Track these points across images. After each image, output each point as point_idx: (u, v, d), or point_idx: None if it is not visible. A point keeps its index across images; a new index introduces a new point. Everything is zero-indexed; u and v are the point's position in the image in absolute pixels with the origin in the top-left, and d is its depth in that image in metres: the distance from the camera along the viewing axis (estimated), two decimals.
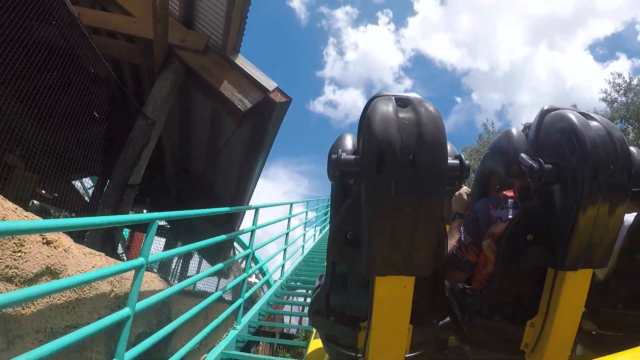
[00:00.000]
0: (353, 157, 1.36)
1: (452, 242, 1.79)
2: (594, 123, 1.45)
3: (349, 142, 1.53)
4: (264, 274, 11.10)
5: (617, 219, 1.42)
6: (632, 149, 1.88)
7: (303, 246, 9.44)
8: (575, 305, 1.54)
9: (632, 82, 16.16)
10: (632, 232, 1.80)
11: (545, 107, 1.62)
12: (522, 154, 1.53)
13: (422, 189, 1.24)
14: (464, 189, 2.10)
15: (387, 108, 1.30)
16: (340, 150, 1.42)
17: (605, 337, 1.93)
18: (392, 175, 1.23)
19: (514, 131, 1.74)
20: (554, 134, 1.50)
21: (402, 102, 1.34)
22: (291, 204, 7.66)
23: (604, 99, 16.75)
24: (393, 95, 1.37)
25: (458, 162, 1.36)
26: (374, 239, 1.31)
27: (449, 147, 1.47)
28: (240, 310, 4.74)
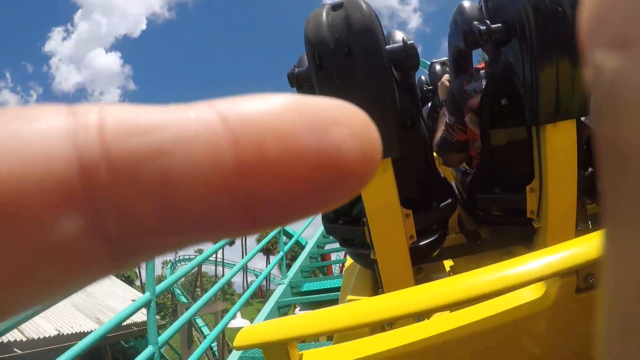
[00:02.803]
0: (303, 68, 1.46)
1: (441, 128, 1.84)
2: None
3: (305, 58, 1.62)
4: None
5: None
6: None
7: None
8: (567, 161, 1.53)
9: None
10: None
11: None
12: (474, 22, 1.52)
13: (362, 74, 1.33)
14: (445, 77, 2.11)
15: (319, 13, 1.39)
16: (293, 66, 1.54)
17: None
18: (331, 70, 1.33)
19: (465, 3, 1.72)
20: None
21: (335, 7, 1.42)
22: None
23: None
24: (330, 4, 1.45)
25: (401, 44, 1.43)
26: None
27: (401, 35, 1.56)
28: (283, 264, 5.18)
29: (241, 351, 3.73)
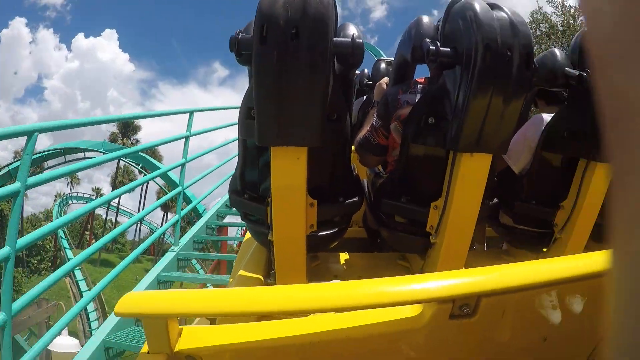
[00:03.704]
0: (249, 36, 1.41)
1: (366, 128, 1.87)
2: (499, 13, 1.48)
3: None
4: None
5: (514, 110, 1.48)
6: (556, 50, 1.92)
7: None
8: (474, 189, 1.61)
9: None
10: (547, 131, 1.86)
11: None
12: (426, 39, 1.55)
13: (303, 59, 1.32)
14: (384, 80, 2.16)
15: None
16: (238, 30, 1.48)
17: (520, 231, 2.05)
18: (274, 46, 1.31)
19: (425, 18, 1.79)
20: (457, 20, 1.53)
21: None
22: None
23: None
24: None
25: (349, 40, 1.43)
26: (261, 107, 1.41)
27: (353, 30, 1.57)
28: (178, 228, 4.66)
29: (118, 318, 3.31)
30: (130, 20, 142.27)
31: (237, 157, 1.81)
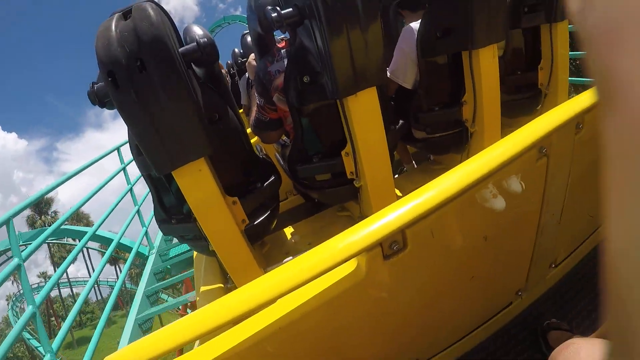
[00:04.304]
0: (104, 85, 1.39)
1: (254, 109, 1.89)
2: None
3: None
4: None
5: (375, 35, 1.50)
6: None
7: None
8: (373, 125, 1.65)
9: None
10: (420, 39, 1.88)
11: None
12: (268, 7, 1.55)
13: (159, 84, 1.31)
14: (251, 57, 2.15)
15: (108, 26, 1.33)
16: (92, 83, 1.46)
17: (437, 139, 2.10)
18: (128, 86, 1.30)
19: None
20: None
21: (126, 15, 1.37)
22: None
23: None
24: (121, 10, 1.40)
25: (195, 44, 1.42)
26: (144, 143, 1.41)
27: (197, 31, 1.59)
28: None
29: None
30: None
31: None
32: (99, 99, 1.40)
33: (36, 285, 36.71)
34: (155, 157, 1.43)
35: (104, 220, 4.26)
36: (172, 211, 1.76)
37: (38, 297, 3.21)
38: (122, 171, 5.17)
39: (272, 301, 0.98)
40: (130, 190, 5.15)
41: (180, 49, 1.39)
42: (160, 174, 1.48)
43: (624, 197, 0.22)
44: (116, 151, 5.30)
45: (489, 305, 1.54)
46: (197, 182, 1.50)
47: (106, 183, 4.50)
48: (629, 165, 0.22)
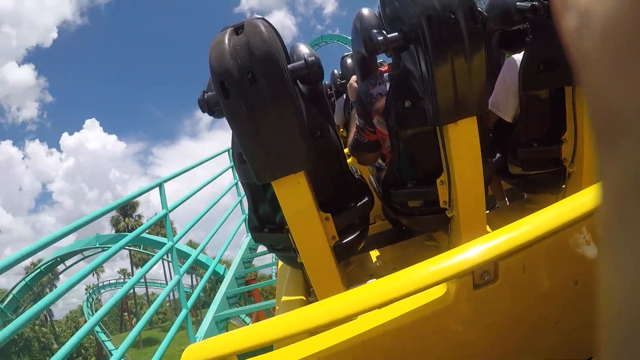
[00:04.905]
0: (213, 93, 1.49)
1: (353, 130, 1.92)
2: None
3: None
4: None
5: (478, 66, 1.49)
6: None
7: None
8: (470, 155, 1.63)
9: None
10: (523, 71, 1.84)
11: None
12: (373, 30, 1.59)
13: (268, 98, 1.38)
14: (353, 78, 2.20)
15: (221, 40, 1.42)
16: (203, 91, 1.56)
17: (533, 176, 2.04)
18: (238, 97, 1.37)
19: (365, 10, 1.85)
20: (393, 2, 1.58)
21: (238, 30, 1.46)
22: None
23: None
24: (233, 26, 1.49)
25: (302, 62, 1.49)
26: (248, 152, 1.48)
27: (304, 50, 1.64)
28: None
29: None
30: (103, 105, 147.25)
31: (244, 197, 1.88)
32: (209, 107, 1.50)
33: (114, 280, 39.21)
34: (258, 166, 1.50)
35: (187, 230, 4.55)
36: (265, 220, 1.82)
37: (113, 299, 3.40)
38: (213, 180, 5.52)
39: (353, 317, 1.00)
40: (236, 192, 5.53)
41: (289, 66, 1.46)
42: (260, 182, 1.54)
43: (622, 252, 0.20)
44: (212, 159, 5.70)
45: (568, 355, 1.44)
46: (295, 194, 1.55)
47: (204, 186, 4.85)
48: (631, 209, 0.19)
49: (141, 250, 21.68)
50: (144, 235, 20.45)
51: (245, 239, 6.31)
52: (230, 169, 6.27)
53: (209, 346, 1.03)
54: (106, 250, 3.54)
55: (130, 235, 3.58)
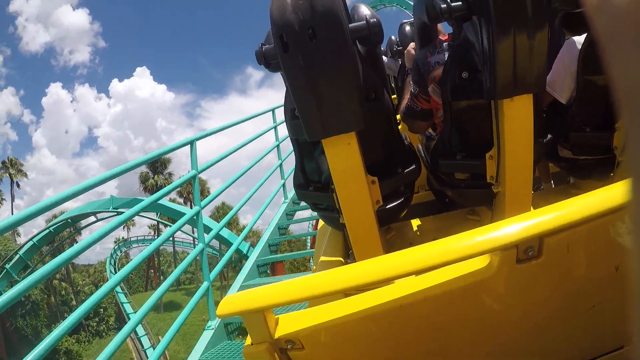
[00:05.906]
0: (271, 46, 1.49)
1: (406, 96, 1.92)
2: None
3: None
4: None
5: (540, 43, 1.46)
6: None
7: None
8: (523, 132, 1.61)
9: None
10: (583, 56, 1.81)
11: None
12: None
13: (326, 54, 1.39)
14: (411, 45, 2.18)
15: None
16: (261, 44, 1.57)
17: (582, 161, 2.02)
18: (297, 51, 1.39)
19: None
20: None
21: None
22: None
23: None
24: None
25: (364, 22, 1.48)
26: (302, 108, 1.50)
27: (365, 11, 1.62)
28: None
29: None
30: (155, 54, 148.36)
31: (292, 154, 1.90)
32: (266, 60, 1.51)
33: (142, 237, 38.85)
34: (310, 122, 1.51)
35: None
36: (311, 178, 1.85)
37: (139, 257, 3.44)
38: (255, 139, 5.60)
39: (392, 280, 1.01)
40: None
41: (350, 25, 1.46)
42: (310, 139, 1.57)
43: None
44: (259, 117, 5.80)
45: (599, 342, 1.43)
46: (344, 154, 1.56)
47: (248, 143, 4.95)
48: None
49: (157, 218, 20.39)
50: (162, 202, 16.70)
51: (283, 205, 6.29)
52: (273, 129, 6.33)
53: (246, 298, 1.06)
54: (120, 215, 3.37)
55: (147, 200, 3.41)
